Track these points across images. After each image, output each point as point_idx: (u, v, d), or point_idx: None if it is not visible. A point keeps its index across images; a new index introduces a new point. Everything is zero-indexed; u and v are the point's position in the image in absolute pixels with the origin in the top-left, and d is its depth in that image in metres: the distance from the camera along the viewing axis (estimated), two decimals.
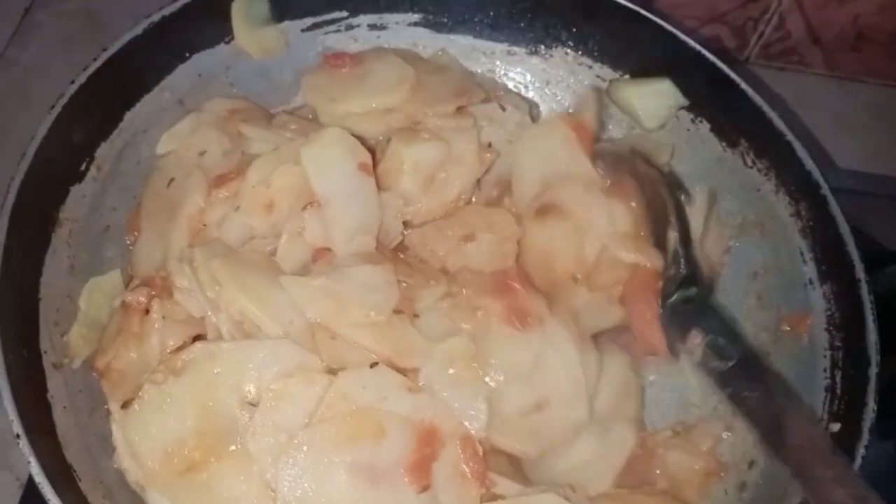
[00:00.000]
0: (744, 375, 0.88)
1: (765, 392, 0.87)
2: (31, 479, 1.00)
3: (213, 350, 0.82)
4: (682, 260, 0.98)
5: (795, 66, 1.59)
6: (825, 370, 0.91)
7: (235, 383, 0.81)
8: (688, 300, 0.94)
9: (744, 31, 1.55)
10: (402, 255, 1.00)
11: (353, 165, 0.92)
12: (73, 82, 0.92)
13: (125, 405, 0.80)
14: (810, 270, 0.97)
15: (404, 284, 0.92)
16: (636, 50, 1.12)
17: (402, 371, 0.85)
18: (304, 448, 0.78)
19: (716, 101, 1.07)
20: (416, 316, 0.90)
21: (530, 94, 1.20)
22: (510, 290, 0.94)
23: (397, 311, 0.88)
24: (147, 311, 0.86)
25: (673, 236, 0.98)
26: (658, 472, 0.95)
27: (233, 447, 0.80)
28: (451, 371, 0.87)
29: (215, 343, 0.83)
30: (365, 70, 1.10)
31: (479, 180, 1.06)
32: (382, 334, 0.86)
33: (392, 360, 0.85)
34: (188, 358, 0.81)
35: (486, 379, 0.87)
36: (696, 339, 0.92)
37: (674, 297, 0.95)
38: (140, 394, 0.80)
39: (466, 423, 0.84)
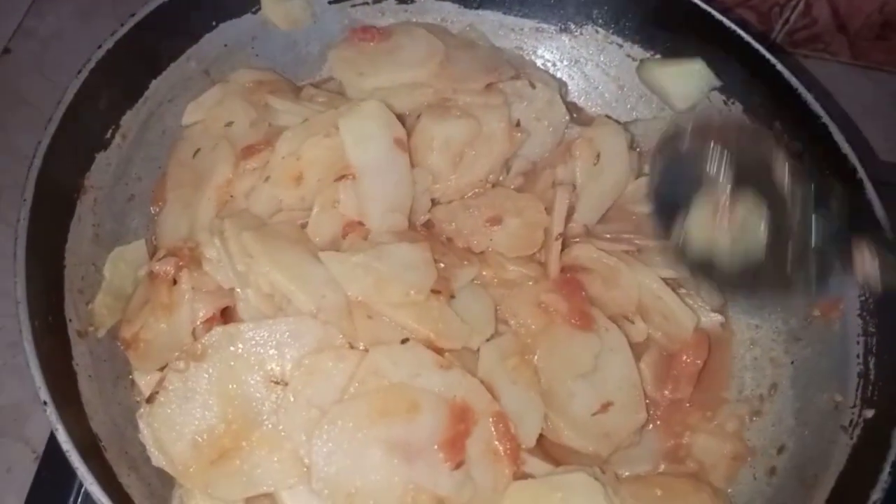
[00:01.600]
0: None
1: None
2: (47, 452, 1.01)
3: (233, 332, 0.80)
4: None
5: (820, 53, 1.57)
6: (858, 356, 0.90)
7: (259, 363, 0.80)
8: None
9: (769, 16, 1.53)
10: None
11: (389, 140, 0.91)
12: (100, 47, 0.90)
13: (150, 399, 0.79)
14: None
15: (441, 264, 0.91)
16: (668, 29, 1.10)
17: (437, 351, 0.84)
18: (339, 423, 0.77)
19: (750, 82, 1.05)
20: (452, 296, 0.89)
21: (559, 73, 1.18)
22: (577, 291, 0.94)
23: (434, 291, 0.87)
24: (175, 282, 0.85)
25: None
26: (685, 455, 0.94)
27: (262, 429, 0.79)
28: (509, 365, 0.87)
29: (234, 325, 0.81)
30: (393, 44, 1.08)
31: (508, 160, 1.05)
32: (422, 314, 0.85)
33: (431, 340, 0.84)
34: (208, 342, 0.80)
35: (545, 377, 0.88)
36: (864, 254, 0.79)
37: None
38: (163, 384, 0.79)
39: (522, 421, 0.84)
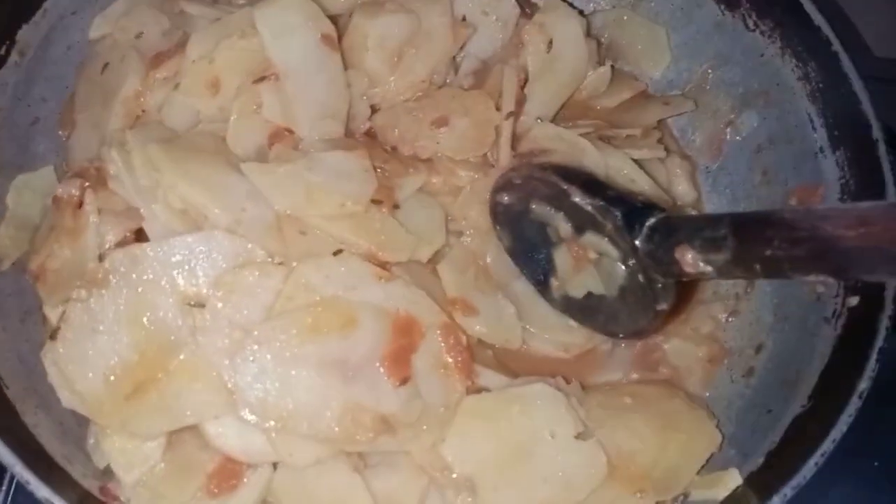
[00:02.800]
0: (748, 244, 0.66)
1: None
2: None
3: (137, 253, 0.72)
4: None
5: None
6: None
7: (170, 285, 0.72)
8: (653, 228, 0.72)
9: None
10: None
11: (315, 35, 0.82)
12: None
13: (53, 335, 0.71)
14: (821, 137, 0.88)
15: (380, 171, 0.83)
16: None
17: (382, 265, 0.76)
18: (264, 343, 0.70)
19: None
20: (396, 206, 0.81)
21: None
22: None
23: (375, 202, 0.79)
24: (81, 205, 0.76)
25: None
26: (658, 360, 0.87)
27: (180, 356, 0.71)
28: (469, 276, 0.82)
29: (137, 245, 0.73)
30: None
31: (454, 59, 0.96)
32: (361, 225, 0.77)
33: (373, 252, 0.77)
34: (110, 267, 0.71)
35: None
36: (688, 255, 0.74)
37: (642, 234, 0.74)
38: (66, 317, 0.70)
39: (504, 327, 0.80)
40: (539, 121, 0.92)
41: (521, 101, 0.91)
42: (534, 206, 0.82)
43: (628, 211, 0.72)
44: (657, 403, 0.80)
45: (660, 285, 0.72)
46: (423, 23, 0.91)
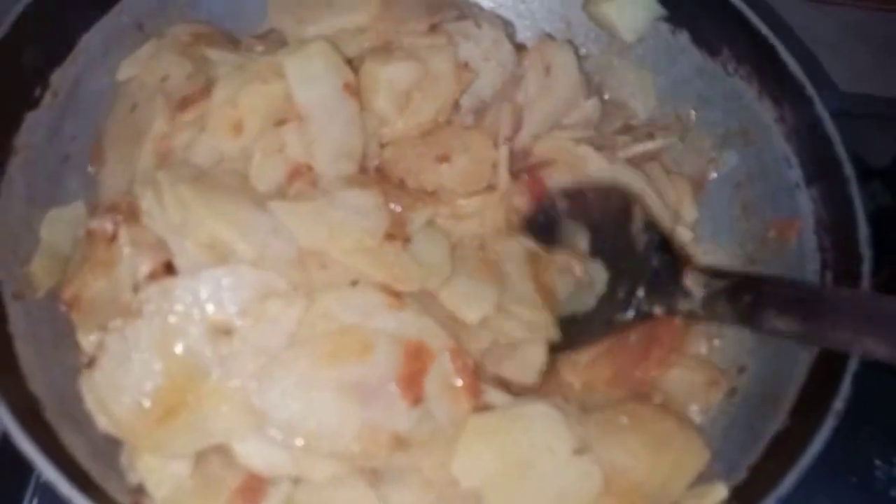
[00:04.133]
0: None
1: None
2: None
3: (167, 286, 0.77)
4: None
5: None
6: (815, 272, 0.90)
7: (200, 315, 0.76)
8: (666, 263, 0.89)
9: None
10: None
11: (338, 83, 0.89)
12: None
13: (90, 363, 0.75)
14: (796, 174, 0.96)
15: (397, 208, 0.89)
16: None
17: (396, 295, 0.82)
18: (289, 368, 0.75)
19: (696, 9, 1.04)
20: (407, 240, 0.87)
21: (504, 13, 1.15)
22: (540, 188, 0.97)
23: (389, 236, 0.85)
24: (114, 238, 0.82)
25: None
26: (651, 388, 0.93)
27: (209, 381, 0.76)
28: None
29: (169, 278, 0.78)
30: None
31: (457, 101, 1.03)
32: (377, 260, 0.83)
33: (388, 285, 0.82)
34: (143, 298, 0.76)
35: None
36: (689, 277, 0.87)
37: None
38: (102, 346, 0.75)
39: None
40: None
41: (517, 127, 0.99)
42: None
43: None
44: (652, 423, 0.85)
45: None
46: (429, 68, 0.99)
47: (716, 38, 1.03)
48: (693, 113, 1.07)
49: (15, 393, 0.72)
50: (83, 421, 0.77)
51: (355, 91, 0.90)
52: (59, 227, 0.88)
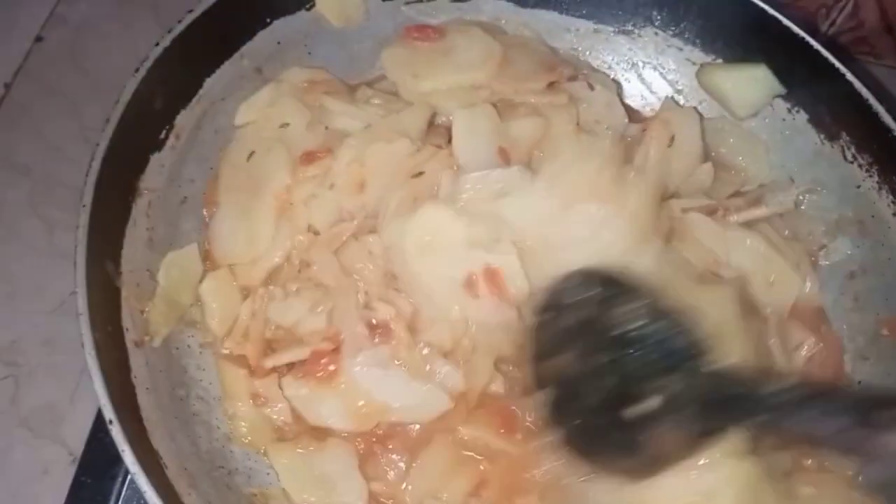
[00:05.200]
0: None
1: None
2: (85, 455, 0.98)
3: None
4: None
5: (865, 56, 1.54)
6: None
7: None
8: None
9: (815, 17, 1.50)
10: None
11: (495, 146, 0.91)
12: (157, 45, 0.86)
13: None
14: None
15: None
16: (731, 33, 1.07)
17: None
18: None
19: (816, 90, 1.02)
20: None
21: (614, 75, 1.15)
22: None
23: None
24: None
25: None
26: None
27: None
28: None
29: None
30: (448, 44, 1.04)
31: None
32: None
33: None
34: None
35: None
36: None
37: None
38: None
39: None
40: None
41: None
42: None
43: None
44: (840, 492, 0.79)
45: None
46: (552, 128, 0.99)
47: (835, 121, 1.01)
48: (805, 196, 1.05)
49: (142, 450, 0.71)
50: (196, 477, 0.77)
51: (508, 158, 0.91)
52: (174, 272, 0.88)
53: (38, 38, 1.31)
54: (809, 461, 0.83)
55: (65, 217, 1.10)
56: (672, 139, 1.00)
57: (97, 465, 0.97)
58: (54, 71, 1.28)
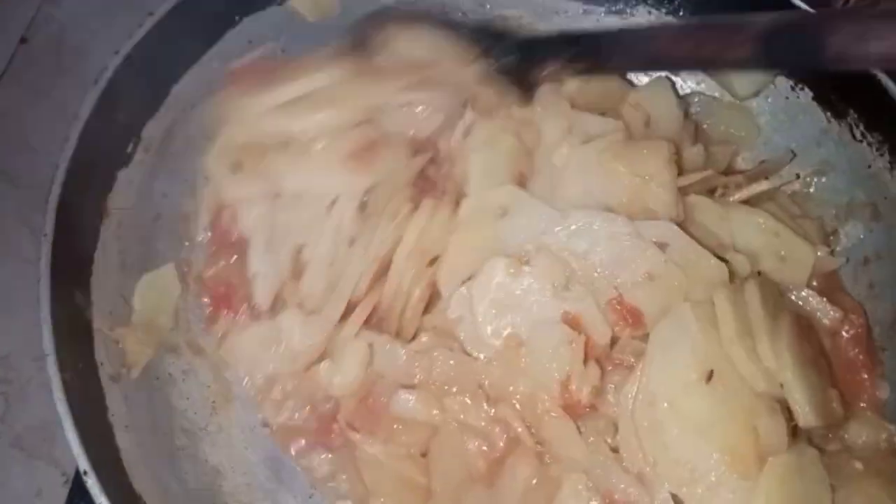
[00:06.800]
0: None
1: None
2: (77, 476, 0.93)
3: None
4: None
5: None
6: None
7: None
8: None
9: None
10: None
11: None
12: (117, 53, 0.80)
13: None
14: None
15: None
16: (727, 9, 1.01)
17: None
18: None
19: None
20: None
21: None
22: None
23: None
24: None
25: None
26: None
27: None
28: None
29: None
30: None
31: None
32: None
33: None
34: None
35: None
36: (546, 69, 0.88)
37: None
38: None
39: None
40: None
41: None
42: None
43: None
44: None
45: None
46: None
47: (841, 99, 0.96)
48: (814, 178, 1.00)
49: (122, 497, 0.66)
50: None
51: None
52: (151, 295, 0.83)
53: (23, 40, 1.25)
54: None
55: None
56: (648, 122, 0.95)
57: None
58: (40, 73, 1.22)
